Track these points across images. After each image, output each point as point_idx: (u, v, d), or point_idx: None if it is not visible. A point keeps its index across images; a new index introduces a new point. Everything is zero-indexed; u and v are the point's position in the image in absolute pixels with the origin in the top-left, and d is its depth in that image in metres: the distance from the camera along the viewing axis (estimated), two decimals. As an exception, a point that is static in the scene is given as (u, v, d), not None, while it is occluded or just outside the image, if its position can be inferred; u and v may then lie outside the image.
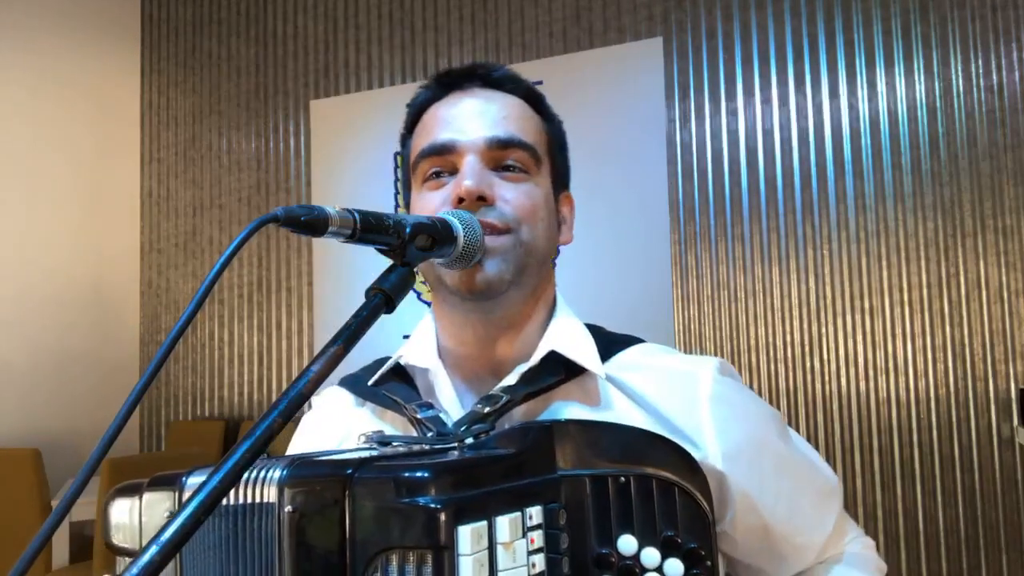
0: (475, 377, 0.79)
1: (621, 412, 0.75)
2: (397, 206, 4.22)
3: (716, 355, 3.57)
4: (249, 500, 0.59)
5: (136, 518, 0.67)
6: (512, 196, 0.75)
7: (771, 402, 3.47)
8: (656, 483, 0.64)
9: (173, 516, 0.41)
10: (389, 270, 0.59)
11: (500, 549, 0.54)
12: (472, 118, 0.77)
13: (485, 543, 0.53)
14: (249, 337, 4.62)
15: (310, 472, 0.58)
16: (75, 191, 4.56)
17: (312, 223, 0.54)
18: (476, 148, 0.75)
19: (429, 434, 0.71)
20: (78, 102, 4.60)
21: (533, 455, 0.61)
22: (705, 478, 0.67)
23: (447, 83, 0.82)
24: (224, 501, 0.60)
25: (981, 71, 3.31)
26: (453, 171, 0.76)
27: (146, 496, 0.67)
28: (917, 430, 3.29)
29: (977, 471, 3.20)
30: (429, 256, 0.64)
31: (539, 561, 0.57)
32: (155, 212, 4.96)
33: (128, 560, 0.67)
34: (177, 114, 4.95)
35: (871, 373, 3.37)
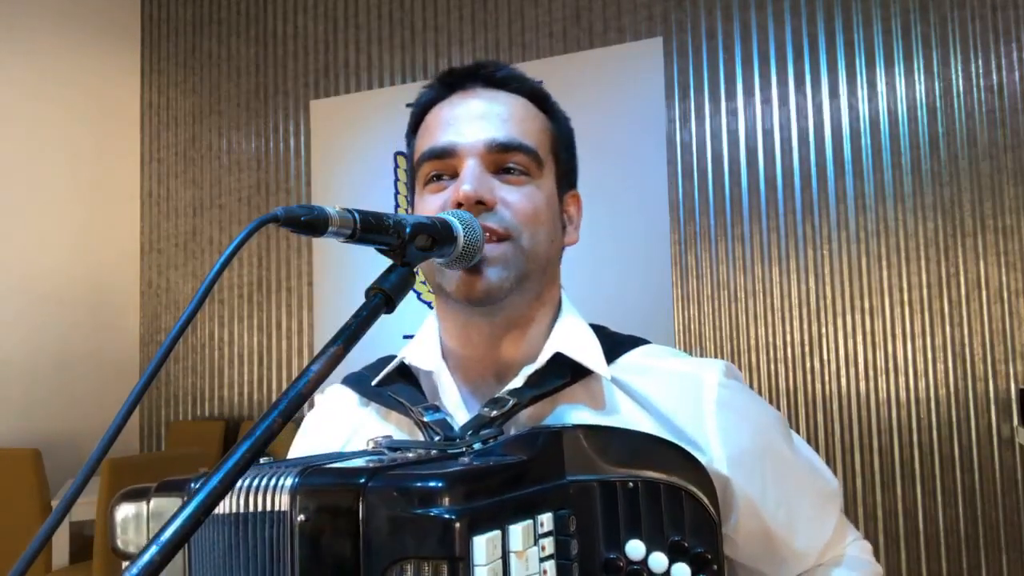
0: (479, 379, 0.79)
1: (626, 415, 0.75)
2: (397, 206, 4.23)
3: (716, 355, 3.55)
4: (260, 508, 0.59)
5: (144, 523, 0.67)
6: (513, 200, 0.74)
7: (771, 402, 3.47)
8: (664, 488, 0.64)
9: (173, 516, 0.41)
10: (389, 270, 0.59)
11: (513, 558, 0.54)
12: (473, 120, 0.76)
13: (499, 552, 0.53)
14: (249, 337, 4.62)
15: (322, 480, 0.58)
16: (75, 191, 4.56)
17: (312, 223, 0.54)
18: (476, 152, 0.75)
19: (436, 438, 0.71)
20: (78, 102, 4.61)
21: (543, 461, 0.61)
22: (711, 482, 0.67)
23: (450, 83, 0.81)
24: (234, 508, 0.60)
25: (981, 71, 3.31)
26: (454, 174, 0.76)
27: (154, 501, 0.67)
28: (917, 430, 3.29)
29: (977, 471, 3.20)
30: (429, 256, 0.64)
31: (550, 568, 0.57)
32: (155, 212, 4.96)
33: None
34: (177, 114, 4.95)
35: (871, 373, 3.37)
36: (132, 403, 0.51)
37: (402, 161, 4.26)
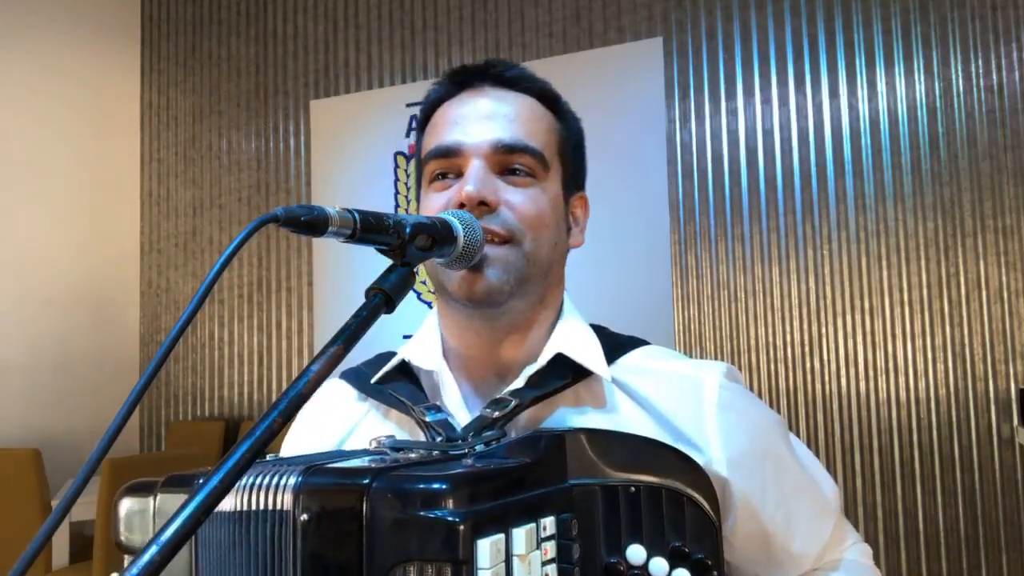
0: (480, 379, 0.79)
1: (627, 416, 0.75)
2: (397, 206, 4.23)
3: (716, 355, 3.54)
4: (263, 506, 0.59)
5: (149, 518, 0.67)
6: (517, 202, 0.74)
7: (771, 402, 3.48)
8: (665, 493, 0.64)
9: (173, 516, 0.41)
10: (389, 270, 0.59)
11: (516, 561, 0.54)
12: (480, 120, 0.76)
13: (503, 556, 0.53)
14: (249, 337, 4.62)
15: (326, 480, 0.58)
16: (75, 191, 4.56)
17: (312, 223, 0.54)
18: (481, 152, 0.75)
19: (438, 439, 0.71)
20: (78, 102, 4.60)
21: (545, 464, 0.61)
22: (712, 488, 0.67)
23: (459, 81, 0.81)
24: (238, 506, 0.60)
25: (981, 71, 3.31)
26: (459, 173, 0.75)
27: (160, 497, 0.67)
28: (917, 430, 3.29)
29: (977, 471, 3.20)
30: (429, 256, 0.64)
31: (552, 571, 0.57)
32: (155, 212, 4.96)
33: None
34: (177, 114, 4.95)
35: (871, 373, 3.36)
36: (132, 403, 0.51)
37: (402, 161, 4.26)
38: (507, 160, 0.75)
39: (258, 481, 0.59)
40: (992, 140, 3.27)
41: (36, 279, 4.28)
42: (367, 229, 0.57)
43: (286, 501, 0.58)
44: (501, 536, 0.53)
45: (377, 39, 4.43)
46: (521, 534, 0.54)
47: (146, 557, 0.39)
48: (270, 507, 0.58)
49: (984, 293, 3.24)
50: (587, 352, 0.76)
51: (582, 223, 0.85)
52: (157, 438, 4.81)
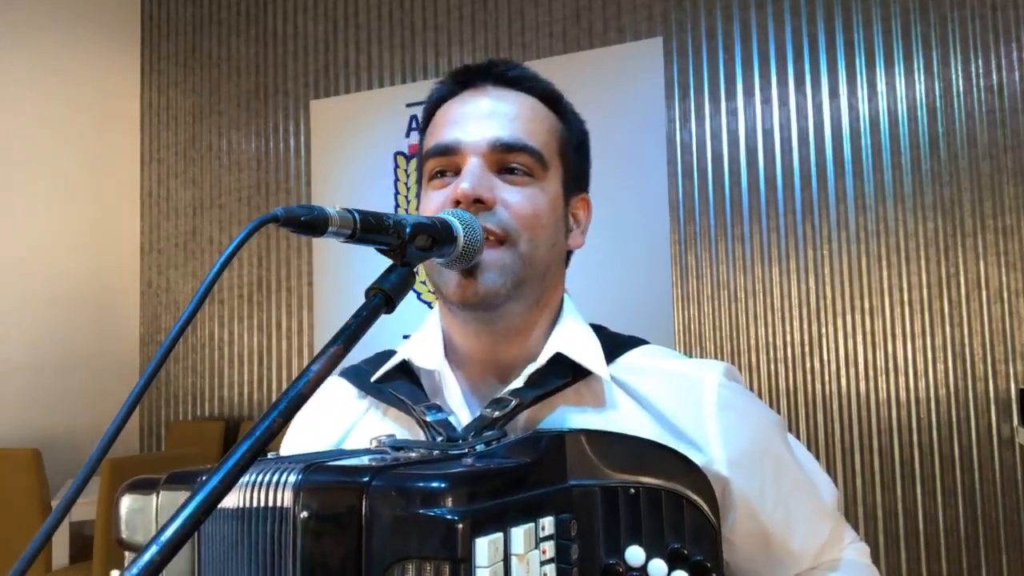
0: (480, 378, 0.79)
1: (627, 415, 0.75)
2: (397, 206, 4.23)
3: (716, 355, 3.54)
4: (263, 503, 0.59)
5: (152, 515, 0.67)
6: (514, 201, 0.74)
7: (771, 402, 3.48)
8: (665, 494, 0.64)
9: (173, 516, 0.41)
10: (389, 270, 0.59)
11: (515, 560, 0.54)
12: (480, 119, 0.76)
13: (501, 555, 0.53)
14: (249, 337, 4.62)
15: (326, 478, 0.58)
16: (75, 191, 4.56)
17: (312, 223, 0.54)
18: (479, 150, 0.75)
19: (439, 438, 0.71)
20: (78, 102, 4.60)
21: (545, 464, 0.61)
22: (712, 490, 0.67)
23: (462, 81, 0.81)
24: (239, 503, 0.60)
25: (981, 71, 3.31)
26: (457, 171, 0.76)
27: (163, 494, 0.67)
28: (917, 430, 3.29)
29: (977, 471, 3.20)
30: (429, 256, 0.64)
31: (550, 572, 0.57)
32: (155, 212, 4.96)
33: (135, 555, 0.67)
34: (177, 114, 4.95)
35: (871, 373, 3.37)
36: (132, 403, 0.51)
37: (402, 161, 4.26)
38: (505, 159, 0.75)
39: (259, 479, 0.60)
40: (992, 140, 3.27)
41: (36, 279, 4.28)
42: (367, 229, 0.57)
43: (286, 499, 0.58)
44: (500, 535, 0.53)
45: (377, 39, 4.43)
46: (520, 533, 0.54)
47: (146, 557, 0.39)
48: (271, 504, 0.59)
49: (984, 293, 3.24)
50: (586, 352, 0.76)
51: (583, 224, 0.84)
52: (157, 438, 4.81)
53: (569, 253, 0.85)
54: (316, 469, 0.59)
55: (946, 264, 3.30)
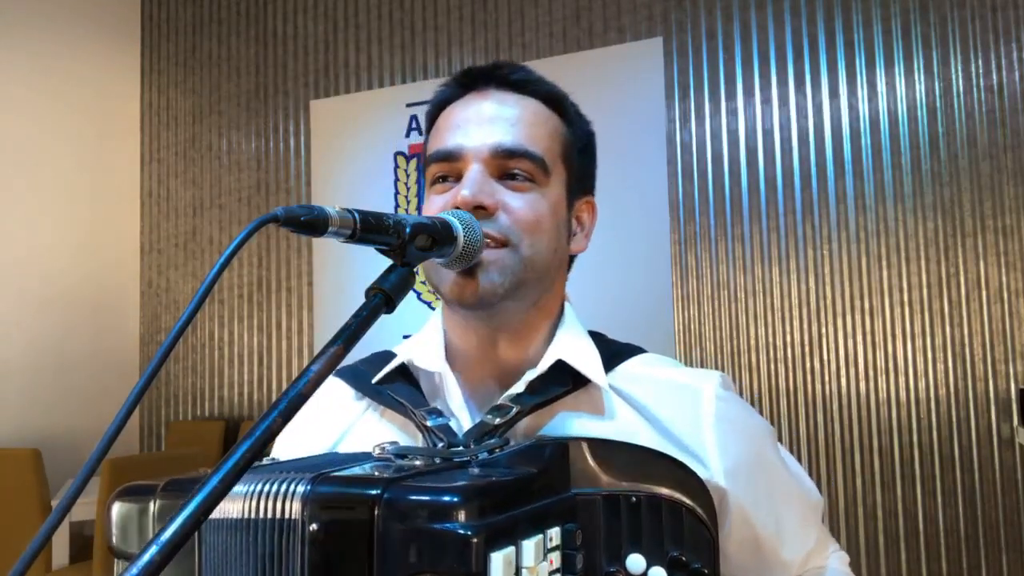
0: (480, 381, 0.79)
1: (626, 423, 0.75)
2: (397, 206, 4.23)
3: (716, 355, 3.53)
4: (270, 515, 0.58)
5: (148, 522, 0.66)
6: (515, 206, 0.74)
7: (771, 402, 3.48)
8: (665, 503, 0.64)
9: (172, 516, 0.41)
10: (389, 270, 0.59)
11: (526, 573, 0.54)
12: (482, 124, 0.76)
13: (514, 569, 0.53)
14: (249, 337, 4.62)
15: (336, 489, 0.57)
16: (75, 191, 4.56)
17: (312, 223, 0.54)
18: (481, 156, 0.75)
19: (440, 444, 0.71)
20: (78, 102, 4.60)
21: (550, 474, 0.61)
22: (710, 498, 0.68)
23: (465, 83, 0.81)
24: (245, 513, 0.59)
25: (981, 71, 3.31)
26: (459, 177, 0.76)
27: (160, 502, 0.66)
28: (917, 430, 3.29)
29: (977, 471, 3.20)
30: (429, 256, 0.64)
31: None
32: (155, 212, 4.96)
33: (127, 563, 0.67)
34: (177, 114, 4.95)
35: (871, 373, 3.36)
36: (132, 403, 0.51)
37: (402, 161, 4.26)
38: (507, 165, 0.75)
39: (265, 488, 0.59)
40: (992, 140, 3.27)
41: (36, 279, 4.28)
42: (367, 229, 0.57)
43: (294, 510, 0.57)
44: (512, 549, 0.53)
45: (377, 39, 4.43)
46: (531, 546, 0.54)
47: (146, 557, 0.39)
48: (278, 515, 0.58)
49: (984, 293, 3.23)
50: (586, 360, 0.76)
51: (587, 228, 0.84)
52: (157, 438, 4.81)
53: (572, 259, 0.84)
54: (324, 480, 0.58)
55: (946, 264, 3.30)
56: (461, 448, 0.68)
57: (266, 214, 0.51)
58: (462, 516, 0.52)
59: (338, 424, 0.84)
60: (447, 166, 0.76)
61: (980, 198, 3.27)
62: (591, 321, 0.84)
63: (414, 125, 4.24)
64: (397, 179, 4.24)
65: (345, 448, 0.82)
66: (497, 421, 0.70)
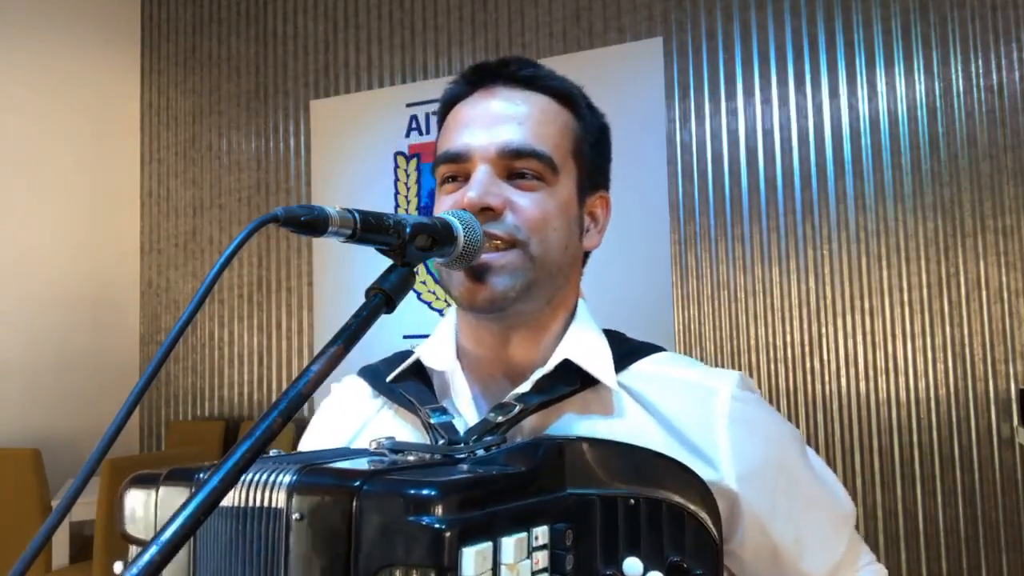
0: (490, 379, 0.79)
1: (635, 423, 0.74)
2: (397, 206, 4.23)
3: (716, 355, 3.52)
4: (259, 503, 0.59)
5: (152, 510, 0.68)
6: (523, 206, 0.73)
7: (771, 402, 3.47)
8: (666, 507, 0.63)
9: (172, 516, 0.41)
10: (389, 270, 0.59)
11: (504, 570, 0.54)
12: (489, 123, 0.76)
13: (489, 564, 0.53)
14: (249, 337, 4.62)
15: (319, 480, 0.58)
16: (75, 191, 4.56)
17: (312, 223, 0.54)
18: (488, 157, 0.74)
19: (440, 441, 0.71)
20: (78, 102, 4.61)
21: (543, 472, 0.61)
22: (716, 504, 0.66)
23: (474, 81, 0.80)
24: (236, 502, 0.60)
25: (981, 71, 3.31)
26: (467, 177, 0.75)
27: (162, 490, 0.67)
28: (917, 430, 3.29)
29: (977, 471, 3.20)
30: (429, 256, 0.64)
31: None
32: (155, 212, 4.96)
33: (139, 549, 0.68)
34: (177, 114, 4.95)
35: (871, 373, 3.37)
36: (132, 403, 0.51)
37: (402, 161, 4.26)
38: (514, 164, 0.75)
39: (256, 478, 0.60)
40: (992, 140, 3.27)
41: (36, 279, 4.28)
42: (367, 229, 0.57)
43: (280, 499, 0.58)
44: (488, 544, 0.53)
45: (377, 39, 4.43)
46: (511, 543, 0.54)
47: (146, 557, 0.39)
48: (266, 504, 0.59)
49: (984, 293, 3.24)
50: (595, 359, 0.75)
51: (601, 223, 0.83)
52: (157, 438, 4.81)
53: (586, 255, 0.84)
54: (311, 471, 0.59)
55: (946, 264, 3.30)
56: (460, 445, 0.68)
57: (266, 214, 0.51)
58: (439, 510, 0.52)
59: (356, 421, 0.85)
60: (455, 167, 0.76)
61: (980, 198, 3.27)
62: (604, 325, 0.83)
63: (414, 125, 4.24)
64: (397, 179, 4.24)
65: (360, 444, 0.82)
66: (500, 419, 0.70)
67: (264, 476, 0.60)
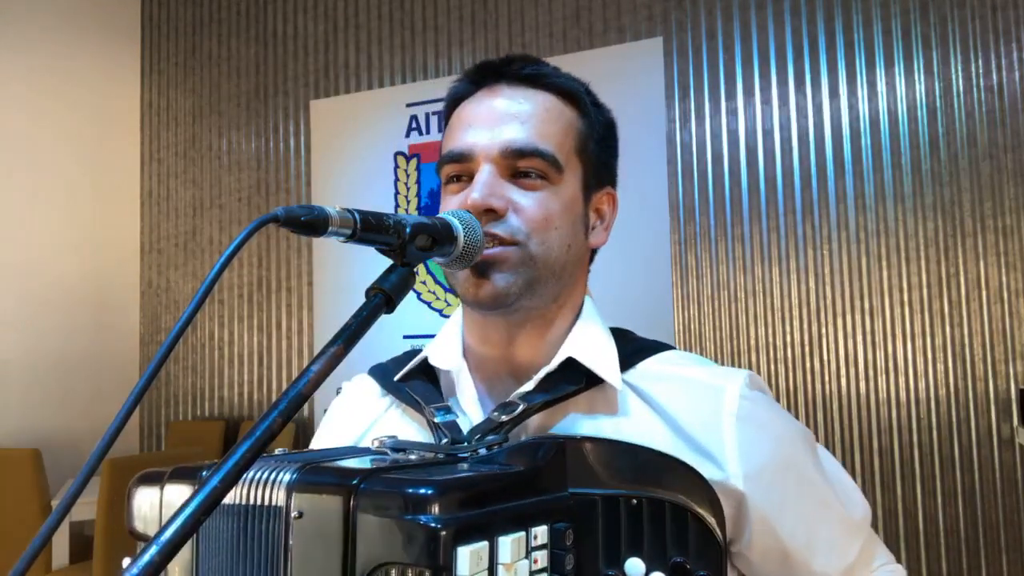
0: (496, 378, 0.79)
1: (641, 423, 0.73)
2: (397, 206, 4.23)
3: (716, 355, 3.52)
4: (260, 501, 0.60)
5: (157, 508, 0.68)
6: (526, 205, 0.73)
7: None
8: (669, 507, 0.63)
9: (173, 516, 0.41)
10: (389, 270, 0.59)
11: (501, 570, 0.54)
12: (492, 122, 0.75)
13: (485, 564, 0.53)
14: (249, 337, 4.62)
15: (318, 478, 0.58)
16: (75, 191, 4.56)
17: (312, 223, 0.54)
18: (491, 157, 0.74)
19: (443, 440, 0.71)
20: (78, 102, 4.60)
21: (544, 472, 0.61)
22: (720, 505, 0.66)
23: (477, 79, 0.80)
24: (237, 499, 0.61)
25: (981, 71, 3.31)
26: (471, 176, 0.75)
27: (168, 487, 0.68)
28: (917, 430, 3.29)
29: (977, 471, 3.20)
30: (429, 256, 0.64)
31: None
32: (155, 212, 4.96)
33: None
34: (177, 114, 4.95)
35: (871, 373, 3.36)
36: (132, 403, 0.51)
37: (402, 161, 4.26)
38: (518, 163, 0.74)
39: (258, 476, 0.60)
40: (992, 140, 3.27)
41: (36, 279, 4.28)
42: (367, 229, 0.57)
43: (280, 497, 0.58)
44: (485, 544, 0.53)
45: (377, 39, 4.43)
46: (508, 543, 0.54)
47: (146, 557, 0.39)
48: (266, 502, 0.59)
49: (984, 293, 3.24)
50: (600, 358, 0.75)
51: (607, 220, 0.83)
52: (157, 438, 4.81)
53: (593, 252, 0.84)
54: (311, 469, 0.59)
55: (946, 264, 3.30)
56: (463, 444, 0.68)
57: (266, 214, 0.51)
58: (435, 509, 0.52)
59: (364, 420, 0.85)
60: (459, 166, 0.76)
61: (980, 198, 3.27)
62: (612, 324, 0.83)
63: (414, 125, 4.24)
64: (397, 179, 4.24)
65: (367, 443, 0.82)
66: (503, 418, 0.70)
67: (265, 474, 0.60)
